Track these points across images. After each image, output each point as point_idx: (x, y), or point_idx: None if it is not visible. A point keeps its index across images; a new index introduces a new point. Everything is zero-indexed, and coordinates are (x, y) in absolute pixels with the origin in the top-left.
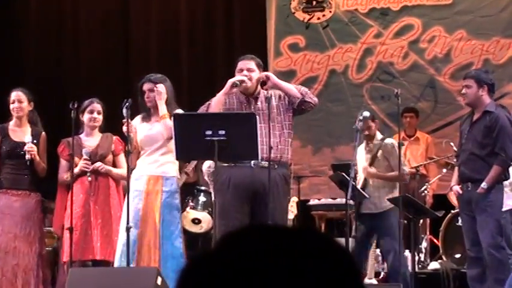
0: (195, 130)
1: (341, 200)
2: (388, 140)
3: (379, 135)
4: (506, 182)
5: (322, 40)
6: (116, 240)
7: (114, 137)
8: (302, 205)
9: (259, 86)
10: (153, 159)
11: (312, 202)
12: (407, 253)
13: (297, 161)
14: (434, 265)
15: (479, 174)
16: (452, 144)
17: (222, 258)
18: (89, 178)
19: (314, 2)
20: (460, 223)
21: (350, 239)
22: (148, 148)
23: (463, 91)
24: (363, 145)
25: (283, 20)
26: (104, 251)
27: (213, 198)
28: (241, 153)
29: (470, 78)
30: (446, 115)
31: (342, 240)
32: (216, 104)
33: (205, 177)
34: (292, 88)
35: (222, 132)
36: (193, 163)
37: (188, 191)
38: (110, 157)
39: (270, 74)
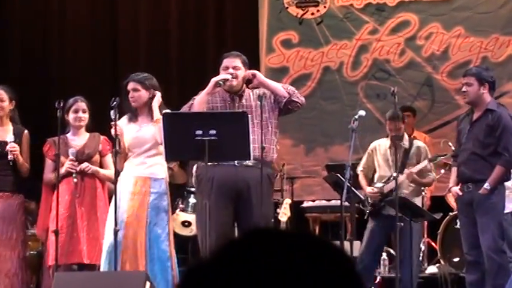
0: (185, 130)
1: (336, 202)
2: (420, 144)
3: (406, 136)
4: (508, 184)
5: (316, 36)
6: (102, 243)
7: (102, 137)
8: (295, 207)
9: (244, 85)
10: (141, 161)
11: (305, 204)
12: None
13: (289, 160)
14: (432, 269)
15: (481, 174)
16: (450, 144)
17: (221, 266)
18: (75, 179)
19: None
20: (458, 226)
21: (345, 242)
22: (136, 150)
23: (464, 89)
24: (380, 145)
25: (276, 15)
26: (90, 254)
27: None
28: (233, 153)
29: (471, 75)
30: (443, 114)
31: (337, 244)
32: (198, 103)
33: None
34: (279, 87)
35: (213, 131)
36: None
37: (178, 192)
38: (96, 157)
39: (256, 72)
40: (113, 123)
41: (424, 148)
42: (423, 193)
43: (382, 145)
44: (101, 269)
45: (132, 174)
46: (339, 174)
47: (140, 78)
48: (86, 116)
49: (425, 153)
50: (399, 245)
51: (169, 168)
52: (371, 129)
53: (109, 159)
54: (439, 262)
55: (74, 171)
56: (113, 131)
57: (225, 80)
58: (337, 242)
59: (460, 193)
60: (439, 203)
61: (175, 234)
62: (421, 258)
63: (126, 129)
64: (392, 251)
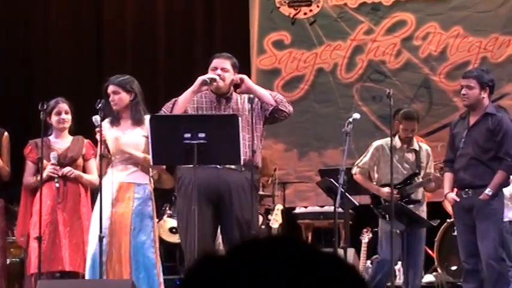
0: (172, 133)
1: (329, 208)
2: (426, 146)
3: (414, 139)
4: (506, 194)
5: (309, 37)
6: (86, 250)
7: (86, 141)
8: (287, 213)
9: (232, 88)
10: (124, 166)
11: (298, 210)
12: (399, 265)
13: (282, 165)
14: (428, 278)
15: (481, 180)
16: None
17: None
18: (57, 184)
19: None
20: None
21: (339, 250)
22: (119, 156)
23: (463, 92)
24: (384, 146)
25: (268, 15)
26: (72, 261)
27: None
28: (223, 157)
29: (473, 78)
30: (441, 117)
31: (330, 251)
32: (183, 102)
33: None
34: (267, 94)
35: (202, 135)
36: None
37: (165, 198)
38: (80, 161)
39: (244, 77)
40: (97, 129)
41: (429, 151)
42: None
43: (386, 146)
44: (86, 277)
45: (115, 179)
46: (332, 179)
47: (120, 80)
48: (69, 117)
49: (431, 156)
50: (408, 252)
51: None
52: (366, 132)
53: (92, 163)
54: (436, 270)
55: (55, 175)
56: (98, 137)
57: (212, 80)
58: (331, 250)
59: (458, 199)
60: (436, 209)
61: (163, 241)
62: None
63: (109, 134)
64: None
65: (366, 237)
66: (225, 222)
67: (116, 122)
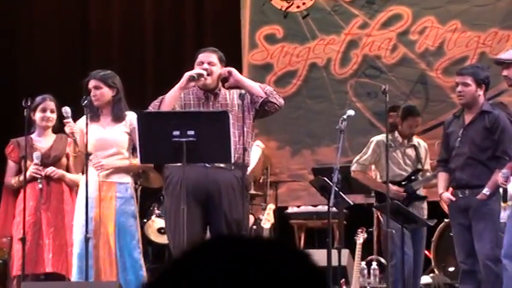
0: (161, 130)
1: (322, 208)
2: (423, 142)
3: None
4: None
5: (301, 31)
6: (70, 251)
7: (69, 139)
8: (279, 213)
9: (219, 83)
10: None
11: (290, 210)
12: None
13: (274, 164)
14: (425, 279)
15: (479, 179)
16: None
17: (185, 272)
18: (40, 185)
19: None
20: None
21: (333, 251)
22: (100, 153)
23: (459, 89)
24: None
25: (259, 8)
26: (56, 263)
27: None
28: (213, 156)
29: (468, 75)
30: (438, 114)
31: (324, 252)
32: (170, 99)
33: None
34: (256, 86)
35: (192, 132)
36: None
37: (153, 197)
38: (63, 160)
39: (232, 69)
40: (66, 120)
41: (426, 147)
42: None
43: (383, 142)
44: (72, 279)
45: (96, 178)
46: (326, 178)
47: (102, 75)
48: (54, 116)
49: (427, 152)
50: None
51: (143, 172)
52: (361, 129)
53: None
54: (433, 272)
55: (38, 176)
56: (67, 129)
57: (200, 75)
58: (324, 251)
59: (453, 198)
60: (433, 208)
61: (151, 242)
62: None
63: (89, 130)
64: (382, 260)
65: (360, 238)
66: (214, 222)
67: (95, 118)
